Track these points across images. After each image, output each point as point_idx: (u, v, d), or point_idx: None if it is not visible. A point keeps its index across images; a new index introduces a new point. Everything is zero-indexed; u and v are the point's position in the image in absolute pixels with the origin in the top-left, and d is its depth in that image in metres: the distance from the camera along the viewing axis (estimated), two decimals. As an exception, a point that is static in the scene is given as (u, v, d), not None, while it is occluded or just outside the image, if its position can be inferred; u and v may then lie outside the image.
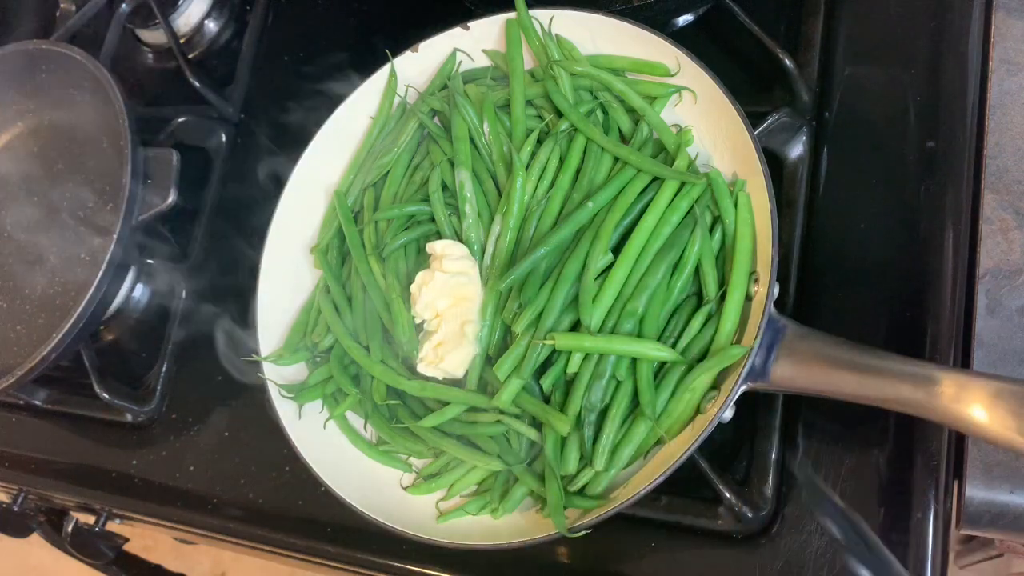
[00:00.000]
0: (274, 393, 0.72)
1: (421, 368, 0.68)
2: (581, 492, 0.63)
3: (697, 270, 0.65)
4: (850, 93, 0.72)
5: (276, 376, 0.73)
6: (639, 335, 0.63)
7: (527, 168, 0.70)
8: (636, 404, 0.63)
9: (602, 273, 0.65)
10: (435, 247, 0.70)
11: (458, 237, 0.72)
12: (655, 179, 0.67)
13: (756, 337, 0.58)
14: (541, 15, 0.73)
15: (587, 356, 0.63)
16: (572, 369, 0.63)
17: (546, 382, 0.64)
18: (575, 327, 0.65)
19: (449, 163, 0.74)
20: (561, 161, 0.71)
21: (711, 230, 0.65)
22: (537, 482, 0.64)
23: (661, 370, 0.63)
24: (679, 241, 0.65)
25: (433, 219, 0.73)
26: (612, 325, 0.64)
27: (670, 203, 0.66)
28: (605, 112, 0.72)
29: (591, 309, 0.63)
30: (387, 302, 0.71)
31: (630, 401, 0.63)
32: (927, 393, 0.54)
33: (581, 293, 0.64)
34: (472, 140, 0.73)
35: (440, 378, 0.68)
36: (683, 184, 0.66)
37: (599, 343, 0.62)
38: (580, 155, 0.70)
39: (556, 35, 0.73)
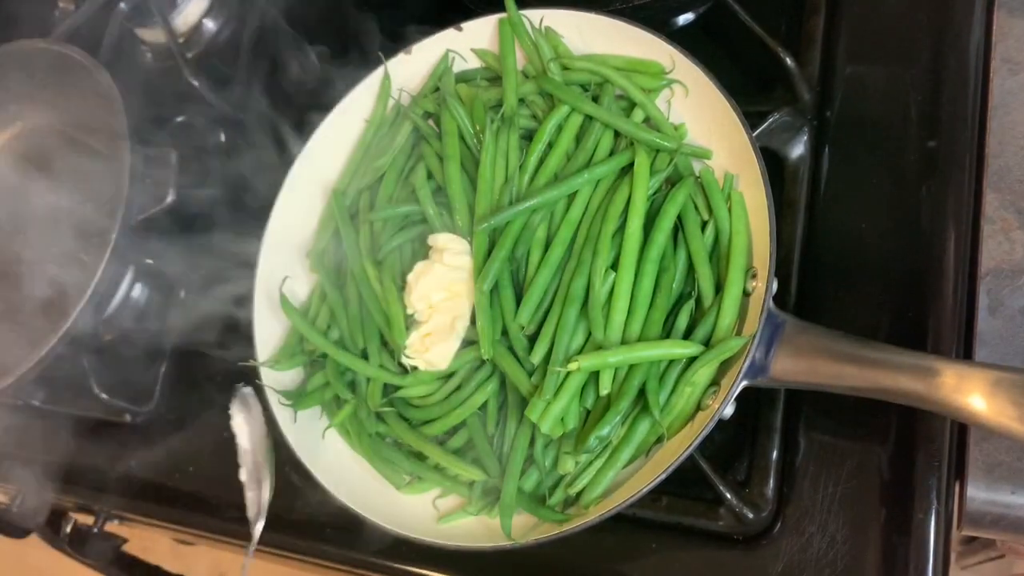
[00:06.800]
0: (272, 398, 0.72)
1: (406, 356, 0.68)
2: (579, 495, 0.63)
3: (691, 270, 0.65)
4: (851, 92, 0.72)
5: (274, 381, 0.73)
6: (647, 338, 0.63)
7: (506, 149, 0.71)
8: (635, 403, 0.62)
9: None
10: (437, 240, 0.70)
11: (451, 232, 0.72)
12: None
13: (756, 328, 0.58)
14: (533, 15, 0.73)
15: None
16: (604, 389, 0.62)
17: (587, 401, 0.64)
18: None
19: (438, 158, 0.74)
20: (551, 145, 0.71)
21: (703, 228, 0.65)
22: (520, 496, 0.65)
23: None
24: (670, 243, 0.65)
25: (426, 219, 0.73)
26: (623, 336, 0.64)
27: (655, 193, 0.67)
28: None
29: (608, 328, 0.63)
30: (383, 306, 0.71)
31: (631, 401, 0.63)
32: (927, 384, 0.54)
33: (592, 311, 0.63)
34: (461, 136, 0.73)
35: (423, 368, 0.68)
36: (674, 183, 0.66)
37: (624, 355, 0.61)
38: (572, 136, 0.71)
39: (546, 30, 0.73)
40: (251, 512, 0.72)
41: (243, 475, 0.76)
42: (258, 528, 0.72)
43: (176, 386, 0.87)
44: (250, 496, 0.74)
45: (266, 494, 0.74)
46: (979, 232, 0.66)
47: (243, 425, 0.77)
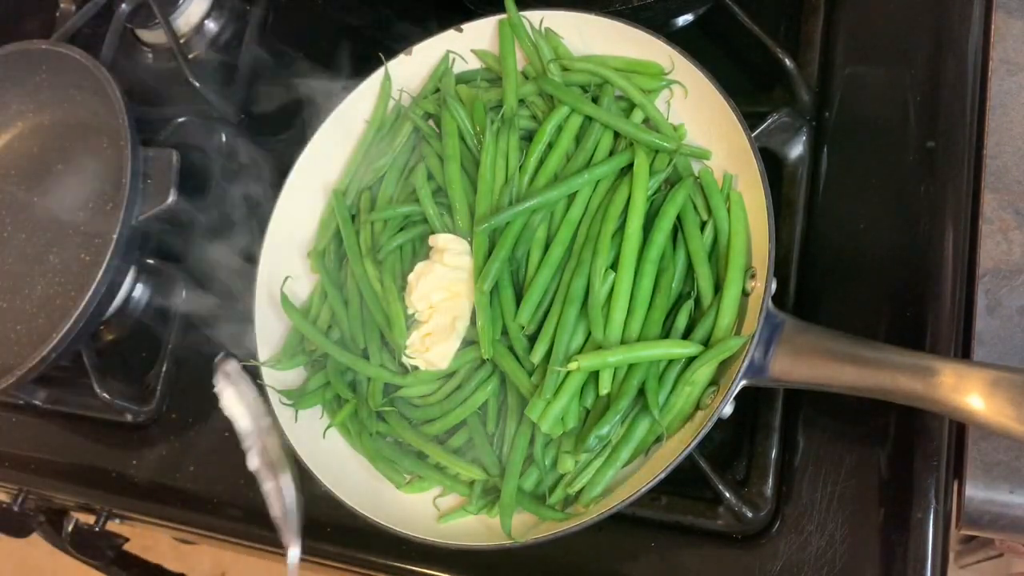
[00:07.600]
0: (273, 397, 0.72)
1: (406, 355, 0.68)
2: (579, 494, 0.64)
3: (690, 270, 0.65)
4: (850, 93, 0.72)
5: (274, 380, 0.73)
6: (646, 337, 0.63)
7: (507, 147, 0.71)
8: (634, 403, 0.63)
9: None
10: (438, 240, 0.70)
11: (452, 232, 0.72)
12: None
13: (755, 328, 0.59)
14: (533, 16, 0.73)
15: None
16: (604, 389, 0.62)
17: (587, 401, 0.64)
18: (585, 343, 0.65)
19: (439, 159, 0.74)
20: (551, 146, 0.71)
21: (702, 228, 0.65)
22: (520, 495, 0.65)
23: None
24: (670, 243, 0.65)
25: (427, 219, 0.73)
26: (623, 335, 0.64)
27: (654, 193, 0.67)
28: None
29: (608, 328, 0.63)
30: (383, 306, 0.71)
31: (631, 400, 0.63)
32: (926, 383, 0.54)
33: (592, 311, 0.63)
34: (462, 137, 0.73)
35: (423, 368, 0.69)
36: (673, 183, 0.67)
37: (624, 355, 0.62)
38: (572, 137, 0.71)
39: (546, 31, 0.73)
40: (275, 511, 0.54)
41: (252, 463, 0.58)
42: (290, 533, 0.51)
43: (177, 386, 0.87)
44: (268, 488, 0.57)
45: (289, 483, 0.55)
46: (977, 232, 0.66)
47: (236, 403, 0.61)
